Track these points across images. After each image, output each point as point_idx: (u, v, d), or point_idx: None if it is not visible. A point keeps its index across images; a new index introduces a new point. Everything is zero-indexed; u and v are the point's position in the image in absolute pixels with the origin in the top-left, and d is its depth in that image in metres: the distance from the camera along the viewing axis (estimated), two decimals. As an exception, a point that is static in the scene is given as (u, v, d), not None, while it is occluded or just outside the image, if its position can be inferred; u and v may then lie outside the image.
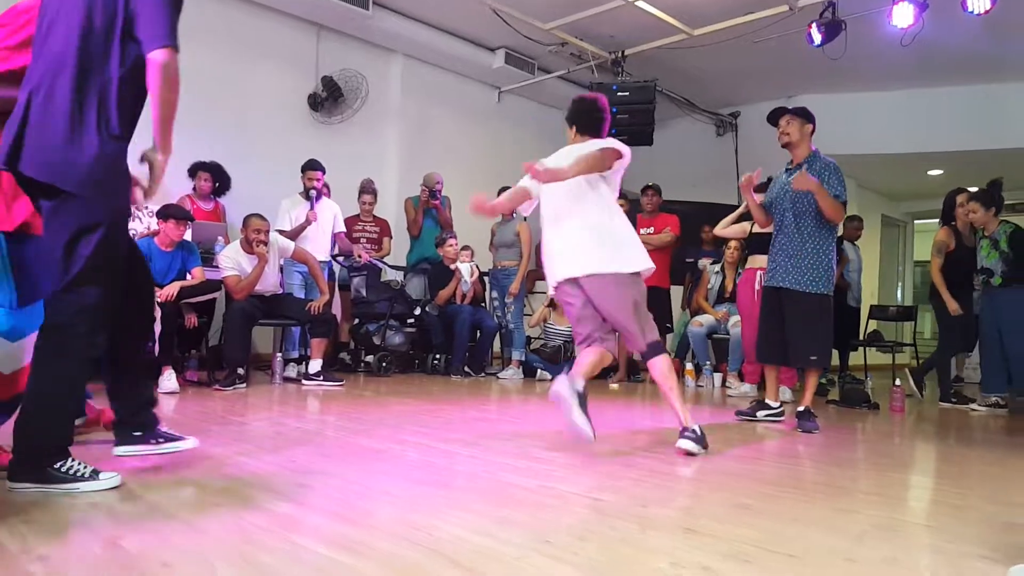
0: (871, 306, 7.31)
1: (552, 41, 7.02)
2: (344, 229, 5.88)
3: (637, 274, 2.87)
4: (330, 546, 1.52)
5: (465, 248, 6.31)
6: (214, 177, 5.48)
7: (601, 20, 6.52)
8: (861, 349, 6.82)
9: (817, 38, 5.92)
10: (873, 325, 7.00)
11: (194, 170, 5.49)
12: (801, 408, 3.67)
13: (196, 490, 1.97)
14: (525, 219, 7.41)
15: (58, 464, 1.86)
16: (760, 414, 3.88)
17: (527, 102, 8.48)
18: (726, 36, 6.47)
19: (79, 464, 1.89)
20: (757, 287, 4.67)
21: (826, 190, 3.58)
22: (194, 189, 5.48)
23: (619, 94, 7.08)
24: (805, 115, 3.77)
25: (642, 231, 6.08)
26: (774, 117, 3.84)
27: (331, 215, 5.71)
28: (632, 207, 6.51)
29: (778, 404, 3.91)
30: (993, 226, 4.98)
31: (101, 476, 1.90)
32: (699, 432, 2.73)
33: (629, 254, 2.88)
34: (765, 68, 7.47)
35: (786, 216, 3.77)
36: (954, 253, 5.29)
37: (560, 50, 7.23)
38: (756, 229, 4.74)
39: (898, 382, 4.82)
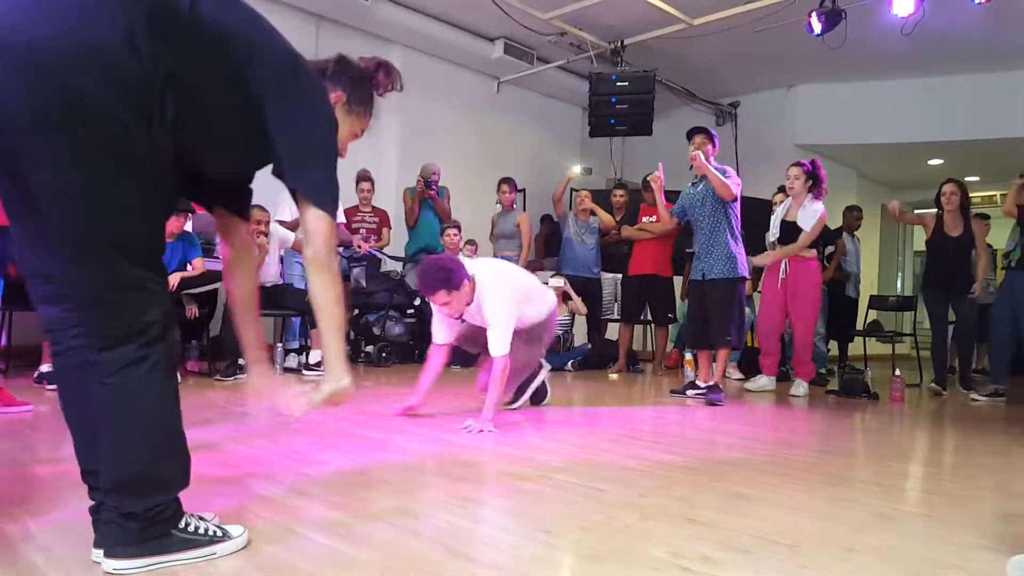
0: (871, 296, 7.30)
1: (551, 31, 6.98)
2: (344, 220, 5.87)
3: None
4: (330, 535, 1.52)
5: (470, 243, 6.29)
6: None
7: (600, 10, 6.49)
8: (860, 339, 6.82)
9: (817, 27, 5.88)
10: (873, 315, 7.00)
11: None
12: (712, 383, 4.28)
13: (196, 479, 1.97)
14: (525, 209, 7.43)
15: (181, 523, 1.35)
16: (690, 392, 4.39)
17: (526, 92, 8.45)
18: (726, 26, 6.44)
19: (198, 519, 1.39)
20: (782, 276, 4.84)
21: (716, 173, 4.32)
22: None
23: (618, 84, 7.05)
24: (711, 137, 4.51)
25: (644, 219, 6.08)
26: (690, 135, 4.56)
27: None
28: (632, 198, 6.50)
29: (707, 384, 4.36)
30: None
31: (232, 531, 1.42)
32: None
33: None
34: (765, 58, 7.43)
35: (695, 218, 4.50)
36: (934, 240, 5.32)
37: (559, 40, 7.20)
38: (789, 218, 4.88)
39: (898, 372, 4.83)
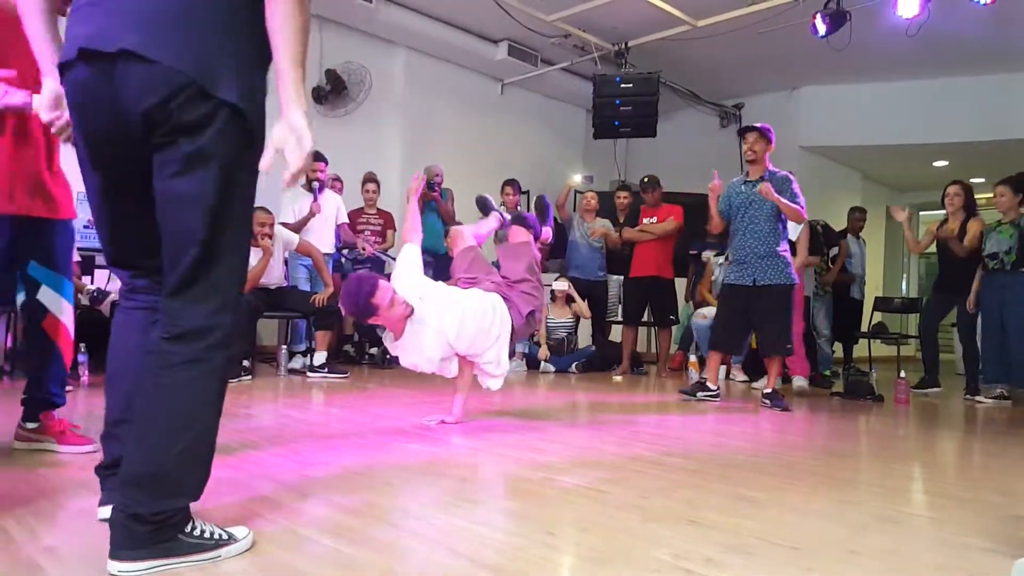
0: (876, 298, 7.28)
1: (555, 33, 6.99)
2: (347, 220, 5.89)
3: None
4: (332, 536, 1.52)
5: None
6: None
7: (604, 11, 6.49)
8: (865, 341, 6.80)
9: (822, 29, 5.88)
10: (878, 317, 6.98)
11: None
12: (769, 390, 4.16)
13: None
14: (529, 211, 7.42)
15: (188, 528, 1.34)
16: (700, 394, 4.31)
17: (530, 94, 8.45)
18: (730, 27, 6.44)
19: (204, 524, 1.37)
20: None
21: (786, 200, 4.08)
22: None
23: (622, 86, 7.05)
24: (767, 136, 4.24)
25: (645, 220, 6.07)
26: (742, 133, 4.36)
27: (334, 206, 5.72)
28: (634, 199, 6.50)
29: (716, 388, 4.35)
30: (1014, 214, 4.95)
31: (237, 535, 1.41)
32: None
33: None
34: (769, 59, 7.43)
35: (755, 222, 4.22)
36: (939, 244, 5.32)
37: (563, 42, 7.20)
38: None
39: (903, 374, 4.81)
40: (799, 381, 5.06)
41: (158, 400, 1.31)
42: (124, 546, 1.27)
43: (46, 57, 1.51)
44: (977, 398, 5.02)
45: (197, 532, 1.34)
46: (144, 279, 1.49)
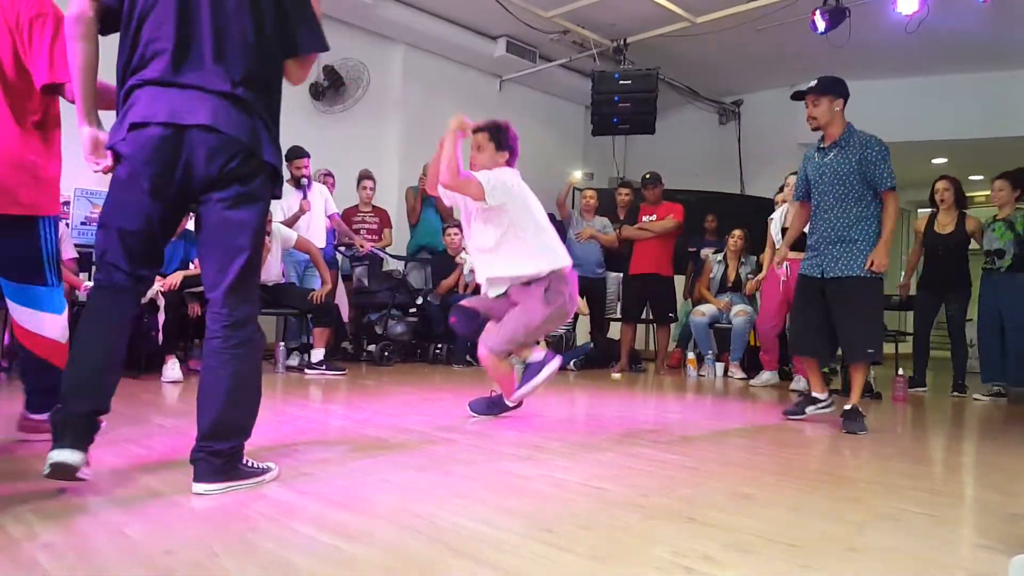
0: (874, 296, 7.28)
1: (554, 29, 6.98)
2: (337, 210, 5.84)
3: None
4: (331, 534, 1.52)
5: None
6: None
7: (603, 8, 6.48)
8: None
9: (821, 25, 5.87)
10: (876, 315, 6.97)
11: None
12: (849, 407, 3.31)
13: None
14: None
15: (243, 460, 1.87)
16: (808, 409, 3.54)
17: (529, 91, 8.44)
18: (729, 24, 6.43)
19: (250, 459, 1.91)
20: (783, 278, 4.85)
21: (885, 240, 3.35)
22: None
23: (621, 83, 7.04)
24: (834, 89, 3.42)
25: (644, 218, 6.06)
26: (798, 97, 3.57)
27: (322, 200, 5.66)
28: (635, 196, 6.49)
29: (826, 396, 3.57)
30: (1009, 209, 4.95)
31: (272, 467, 1.96)
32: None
33: None
34: (768, 56, 7.42)
35: (825, 199, 3.46)
36: (926, 240, 5.32)
37: (562, 38, 7.19)
38: (787, 225, 4.72)
39: (900, 371, 4.82)
40: (798, 383, 4.92)
41: (225, 371, 1.80)
42: (205, 475, 1.78)
43: (90, 108, 1.88)
44: (975, 395, 5.02)
45: (250, 464, 1.89)
46: (128, 279, 1.87)
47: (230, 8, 1.80)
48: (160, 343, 4.22)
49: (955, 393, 5.14)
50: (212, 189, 1.80)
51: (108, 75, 1.87)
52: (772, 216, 5.31)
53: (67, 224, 5.00)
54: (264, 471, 1.91)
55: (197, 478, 1.78)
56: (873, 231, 3.39)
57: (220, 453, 1.79)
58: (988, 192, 5.33)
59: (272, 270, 4.84)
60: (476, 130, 3.37)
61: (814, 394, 3.59)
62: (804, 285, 3.53)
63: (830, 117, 3.44)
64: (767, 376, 5.29)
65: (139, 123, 1.76)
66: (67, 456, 1.70)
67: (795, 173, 4.60)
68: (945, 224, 5.20)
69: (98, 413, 1.81)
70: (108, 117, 1.87)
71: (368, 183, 6.19)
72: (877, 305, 3.45)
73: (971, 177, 9.63)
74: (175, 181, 1.79)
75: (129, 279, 1.85)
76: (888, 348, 6.86)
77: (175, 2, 1.77)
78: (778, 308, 5.06)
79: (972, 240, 5.15)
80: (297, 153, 5.43)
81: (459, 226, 6.21)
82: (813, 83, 3.44)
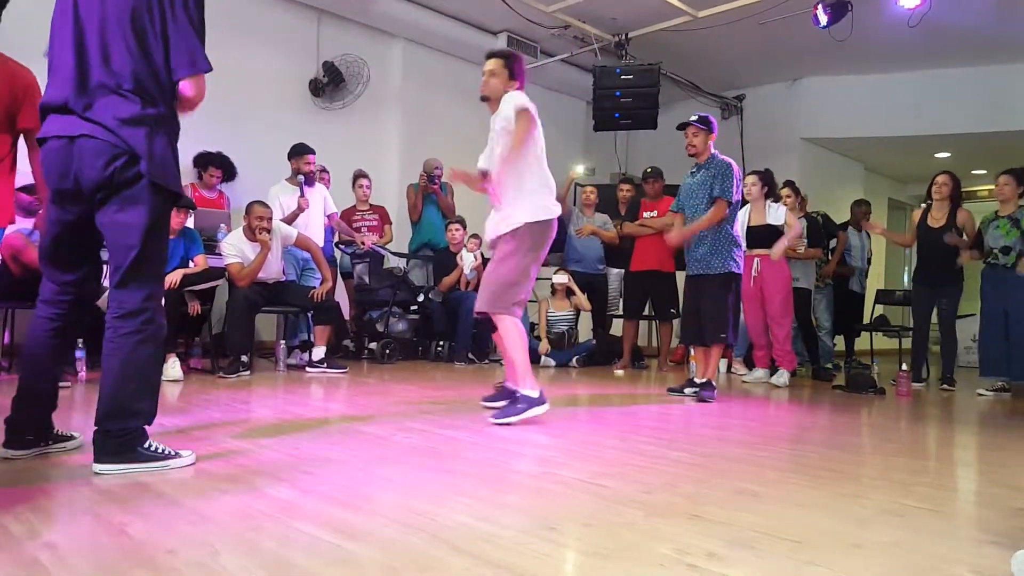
0: (877, 291, 7.26)
1: (555, 24, 6.96)
2: (336, 210, 5.84)
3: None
4: (332, 532, 1.52)
5: (474, 236, 6.28)
6: (223, 172, 5.52)
7: (604, 2, 6.46)
8: (867, 334, 6.78)
9: (823, 19, 5.85)
10: (879, 310, 6.96)
11: (202, 162, 5.49)
12: (703, 380, 4.12)
13: (200, 477, 1.97)
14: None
15: (145, 444, 1.98)
16: (687, 391, 4.20)
17: (530, 86, 8.23)
18: (731, 18, 6.41)
19: (159, 444, 2.02)
20: (754, 274, 5.15)
21: (701, 223, 4.11)
22: (200, 178, 5.49)
23: (623, 77, 7.02)
24: (709, 126, 4.29)
25: (645, 214, 6.05)
26: (682, 128, 4.36)
27: (320, 198, 5.65)
28: (637, 191, 6.48)
29: (703, 380, 4.19)
30: (1012, 207, 4.93)
31: (183, 454, 2.04)
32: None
33: None
34: (770, 50, 7.40)
35: (694, 211, 4.24)
36: (919, 234, 5.29)
37: (563, 33, 7.17)
38: (753, 224, 5.21)
39: (904, 367, 4.81)
40: (779, 378, 5.06)
41: (115, 358, 1.96)
42: (100, 455, 1.94)
43: None
44: (978, 390, 5.01)
45: (152, 448, 2.00)
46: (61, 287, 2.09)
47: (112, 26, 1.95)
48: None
49: (944, 387, 5.15)
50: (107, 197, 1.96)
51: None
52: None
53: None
54: (170, 456, 2.00)
55: (95, 458, 1.94)
56: (724, 236, 4.13)
57: (112, 433, 1.93)
58: (991, 186, 5.31)
59: (272, 268, 4.83)
60: (490, 56, 3.63)
61: (695, 378, 4.25)
62: (687, 283, 4.34)
63: (704, 148, 4.26)
64: (760, 373, 5.33)
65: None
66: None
67: (753, 172, 5.25)
68: (938, 218, 5.19)
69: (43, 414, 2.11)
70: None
71: (364, 182, 6.18)
72: (724, 298, 4.13)
73: (974, 171, 9.61)
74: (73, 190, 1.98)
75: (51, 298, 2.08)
76: (891, 343, 6.88)
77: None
78: (758, 304, 5.24)
79: (964, 234, 5.13)
80: (303, 149, 5.44)
81: (461, 222, 6.21)
82: (694, 118, 4.32)
